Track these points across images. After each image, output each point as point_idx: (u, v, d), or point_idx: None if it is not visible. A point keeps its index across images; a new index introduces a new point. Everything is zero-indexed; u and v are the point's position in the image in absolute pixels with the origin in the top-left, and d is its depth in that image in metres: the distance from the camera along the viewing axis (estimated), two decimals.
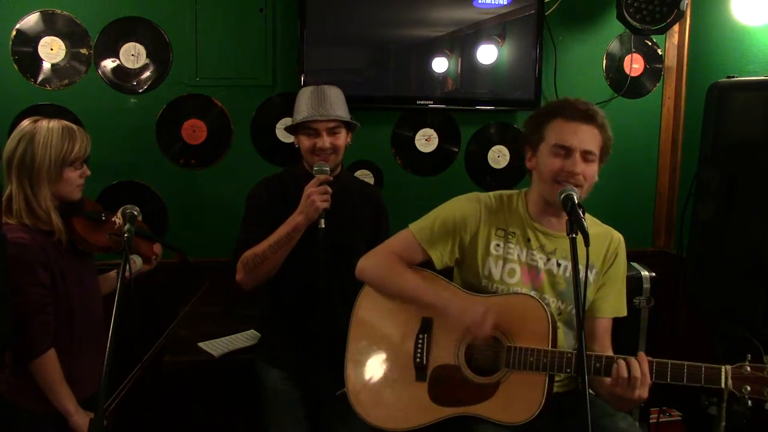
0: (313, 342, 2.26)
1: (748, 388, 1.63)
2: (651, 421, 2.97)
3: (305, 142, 2.27)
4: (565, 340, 1.93)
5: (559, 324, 1.91)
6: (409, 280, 1.94)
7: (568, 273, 1.92)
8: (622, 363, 1.69)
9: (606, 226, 2.01)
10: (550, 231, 1.93)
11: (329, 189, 2.16)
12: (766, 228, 2.20)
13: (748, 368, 1.65)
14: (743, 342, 2.19)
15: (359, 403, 1.96)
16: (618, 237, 2.00)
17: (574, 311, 1.92)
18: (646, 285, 2.85)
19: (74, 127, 2.08)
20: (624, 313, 2.01)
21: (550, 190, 1.84)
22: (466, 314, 1.82)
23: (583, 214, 1.65)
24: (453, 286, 1.97)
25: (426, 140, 3.30)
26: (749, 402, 1.65)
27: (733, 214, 2.31)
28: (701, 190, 2.46)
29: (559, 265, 1.93)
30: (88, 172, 2.12)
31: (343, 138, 2.29)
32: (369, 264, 2.01)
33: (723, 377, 1.66)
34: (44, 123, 2.04)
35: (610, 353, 1.94)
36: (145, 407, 2.85)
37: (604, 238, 1.97)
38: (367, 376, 1.97)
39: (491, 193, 2.02)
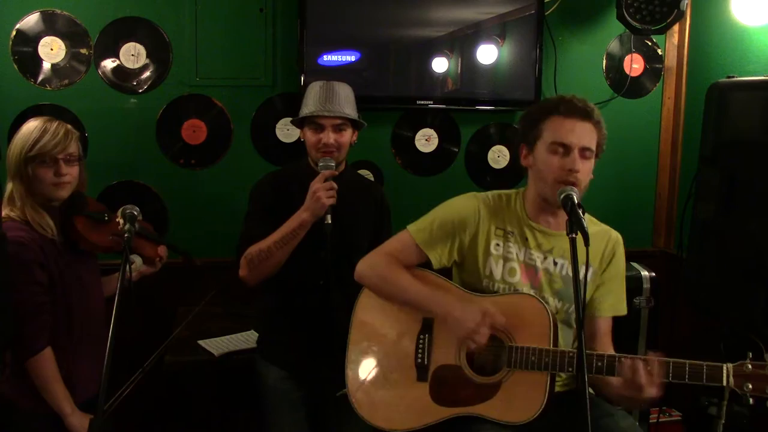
0: (314, 340, 2.26)
1: (750, 386, 1.64)
2: (651, 421, 2.97)
3: (310, 137, 2.27)
4: (564, 340, 1.93)
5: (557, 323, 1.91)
6: (408, 284, 1.93)
7: (565, 271, 1.93)
8: (627, 363, 1.68)
9: (604, 225, 2.01)
10: (547, 230, 1.93)
11: (335, 185, 2.16)
12: (766, 228, 2.19)
13: (750, 366, 1.65)
14: (744, 340, 2.19)
15: (360, 405, 1.95)
16: (616, 236, 1.99)
17: (571, 310, 1.92)
18: (646, 285, 2.85)
19: (53, 125, 2.03)
20: (624, 312, 2.00)
21: (551, 189, 1.83)
22: (463, 323, 1.81)
23: (583, 214, 1.65)
24: (452, 286, 1.97)
25: (426, 140, 3.30)
26: (750, 400, 1.65)
27: (733, 214, 2.31)
28: (701, 190, 2.46)
29: (555, 263, 1.93)
30: (64, 172, 2.03)
31: (348, 136, 2.28)
32: (367, 267, 2.00)
33: (725, 375, 1.65)
34: (31, 122, 2.04)
35: (612, 353, 1.94)
36: (146, 407, 2.85)
37: (602, 237, 1.96)
38: (368, 377, 1.97)
39: (489, 193, 2.02)
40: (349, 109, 2.28)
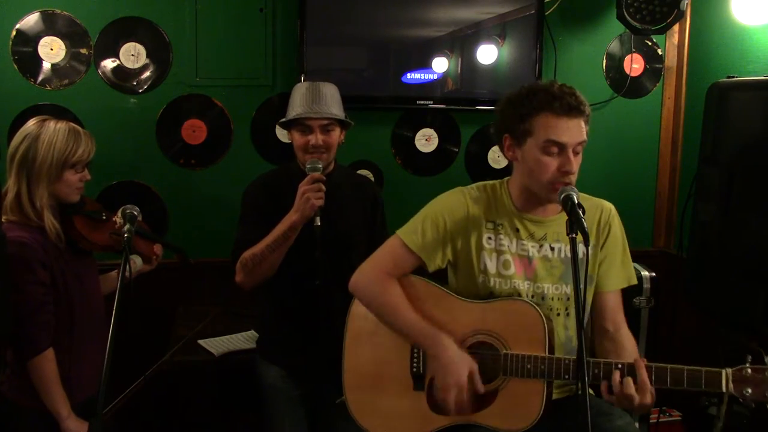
0: (312, 340, 2.26)
1: (750, 391, 1.60)
2: (651, 421, 2.97)
3: (298, 139, 2.27)
4: (571, 330, 1.89)
5: (568, 311, 1.87)
6: (400, 312, 1.88)
7: (564, 254, 1.88)
8: (616, 377, 1.66)
9: (595, 198, 1.95)
10: (536, 217, 1.89)
11: (323, 186, 2.16)
12: (766, 228, 2.19)
13: (749, 370, 1.61)
14: (743, 345, 2.18)
15: (359, 414, 1.95)
16: (609, 207, 1.94)
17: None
18: (646, 285, 2.84)
19: (81, 130, 2.08)
20: (634, 281, 1.95)
21: (545, 190, 1.79)
22: (448, 372, 1.79)
23: (584, 214, 1.64)
24: (447, 295, 1.92)
25: (426, 140, 3.30)
26: (752, 405, 1.63)
27: (733, 214, 2.31)
28: (701, 190, 2.46)
29: (552, 249, 1.88)
30: (89, 177, 2.11)
31: (336, 136, 2.28)
32: (361, 284, 1.95)
33: (724, 381, 1.62)
34: (51, 123, 2.04)
35: (625, 330, 1.92)
36: (146, 406, 2.84)
37: (595, 210, 1.91)
38: (365, 386, 1.96)
39: (473, 186, 1.97)
40: (336, 109, 2.28)
